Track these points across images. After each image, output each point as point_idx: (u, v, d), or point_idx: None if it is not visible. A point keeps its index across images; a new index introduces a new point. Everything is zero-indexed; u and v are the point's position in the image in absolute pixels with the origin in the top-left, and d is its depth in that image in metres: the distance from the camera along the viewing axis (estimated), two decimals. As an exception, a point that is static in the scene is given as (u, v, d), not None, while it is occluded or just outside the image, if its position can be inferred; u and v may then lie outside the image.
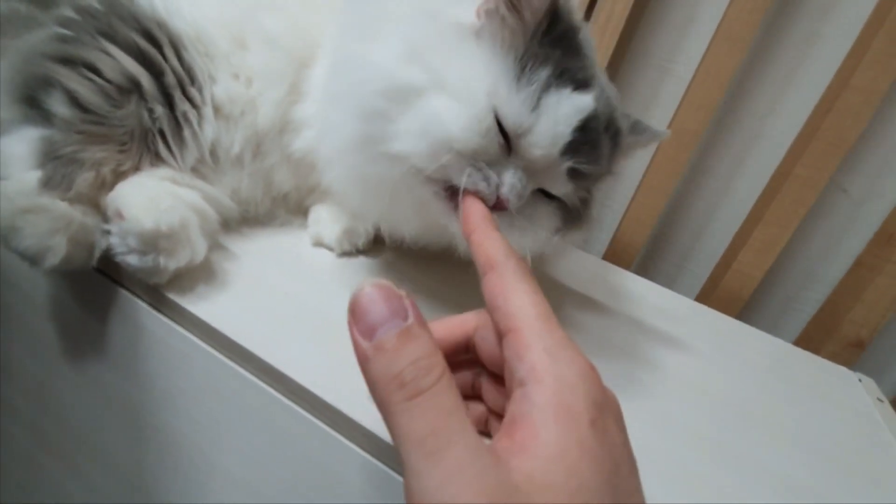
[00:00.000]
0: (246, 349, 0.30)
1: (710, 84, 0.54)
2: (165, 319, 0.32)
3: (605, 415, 0.19)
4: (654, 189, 0.59)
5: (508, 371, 0.20)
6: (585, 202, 0.32)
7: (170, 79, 0.33)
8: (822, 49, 0.54)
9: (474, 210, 0.25)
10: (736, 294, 0.58)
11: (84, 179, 0.30)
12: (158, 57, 0.33)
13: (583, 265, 0.54)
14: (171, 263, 0.31)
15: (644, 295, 0.52)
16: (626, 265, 0.60)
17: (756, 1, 0.50)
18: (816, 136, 0.51)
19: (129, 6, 0.34)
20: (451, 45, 0.28)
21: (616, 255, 0.63)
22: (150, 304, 0.33)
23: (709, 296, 0.59)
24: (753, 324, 0.51)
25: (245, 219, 0.41)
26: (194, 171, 0.36)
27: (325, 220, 0.41)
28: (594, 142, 0.29)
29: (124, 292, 0.33)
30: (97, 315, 0.35)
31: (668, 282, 0.66)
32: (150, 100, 0.33)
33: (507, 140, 0.28)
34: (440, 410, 0.17)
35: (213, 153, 0.36)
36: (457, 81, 0.27)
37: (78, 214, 0.30)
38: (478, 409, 0.25)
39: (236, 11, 0.36)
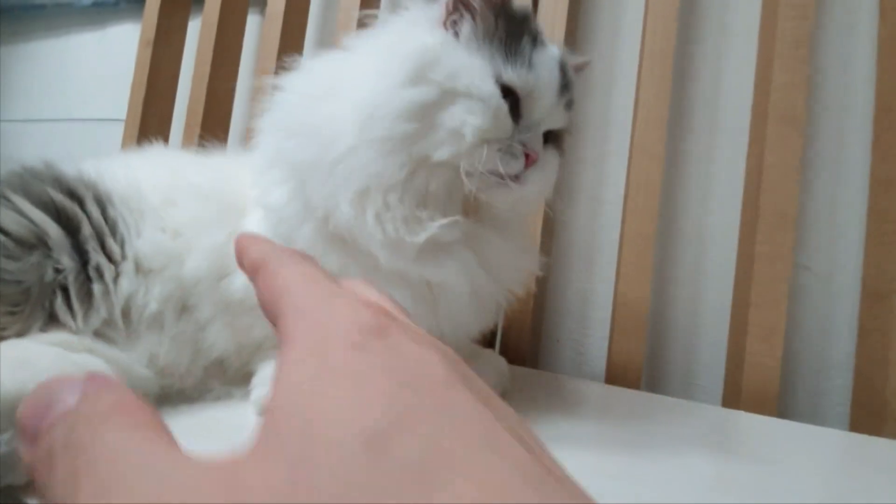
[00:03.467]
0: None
1: (642, 197, 0.57)
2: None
3: (382, 336, 0.13)
4: (631, 298, 0.56)
5: None
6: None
7: (86, 230, 0.31)
8: (724, 147, 0.61)
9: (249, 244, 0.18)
10: (762, 390, 0.51)
11: None
12: (75, 209, 0.31)
13: (614, 396, 0.46)
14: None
15: (673, 413, 0.44)
16: (633, 385, 0.53)
17: (657, 120, 0.57)
18: (760, 214, 0.53)
19: (53, 171, 0.33)
20: (440, 56, 0.32)
21: (617, 375, 0.56)
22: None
23: (736, 399, 0.51)
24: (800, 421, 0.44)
25: (166, 394, 0.32)
26: (99, 335, 0.30)
27: None
28: (568, 76, 0.36)
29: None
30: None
31: (686, 392, 0.59)
32: (56, 251, 0.29)
33: (513, 106, 0.33)
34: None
35: (125, 314, 0.31)
36: (463, 84, 0.32)
37: None
38: None
39: (166, 172, 0.37)
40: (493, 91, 0.32)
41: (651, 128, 0.58)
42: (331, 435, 0.10)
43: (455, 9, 0.34)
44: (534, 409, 0.40)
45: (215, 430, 0.31)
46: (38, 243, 0.29)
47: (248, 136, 0.73)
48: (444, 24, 0.34)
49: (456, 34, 0.34)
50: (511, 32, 0.33)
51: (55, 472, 0.11)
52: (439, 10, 0.34)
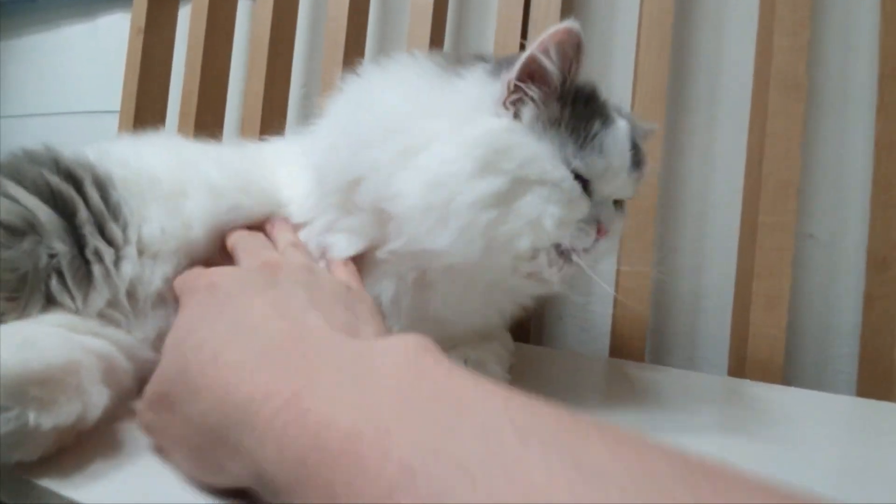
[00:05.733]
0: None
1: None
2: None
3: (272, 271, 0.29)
4: (633, 271, 0.56)
5: None
6: None
7: (82, 215, 0.30)
8: (726, 116, 0.60)
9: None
10: (768, 360, 0.50)
11: None
12: (71, 192, 0.30)
13: (620, 369, 0.46)
14: (47, 420, 0.21)
15: (679, 383, 0.44)
16: (637, 357, 0.53)
17: (656, 91, 0.56)
18: (763, 183, 0.52)
19: (52, 154, 0.33)
20: (509, 144, 0.31)
21: (622, 349, 0.56)
22: None
23: (741, 370, 0.51)
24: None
25: None
26: (104, 315, 0.30)
27: None
28: (639, 148, 0.36)
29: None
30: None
31: (689, 364, 0.59)
32: (47, 237, 0.29)
33: (585, 185, 0.33)
34: None
35: (130, 294, 0.31)
36: (536, 172, 0.31)
37: None
38: None
39: (177, 162, 0.36)
40: (566, 176, 0.32)
41: (651, 99, 0.57)
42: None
43: (516, 89, 0.32)
44: (540, 385, 0.40)
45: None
46: (29, 229, 0.29)
47: (243, 122, 0.73)
48: (505, 103, 0.32)
49: (517, 115, 0.32)
50: (577, 115, 0.32)
51: None
52: (501, 89, 0.32)
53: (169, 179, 0.35)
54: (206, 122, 0.73)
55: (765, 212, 0.52)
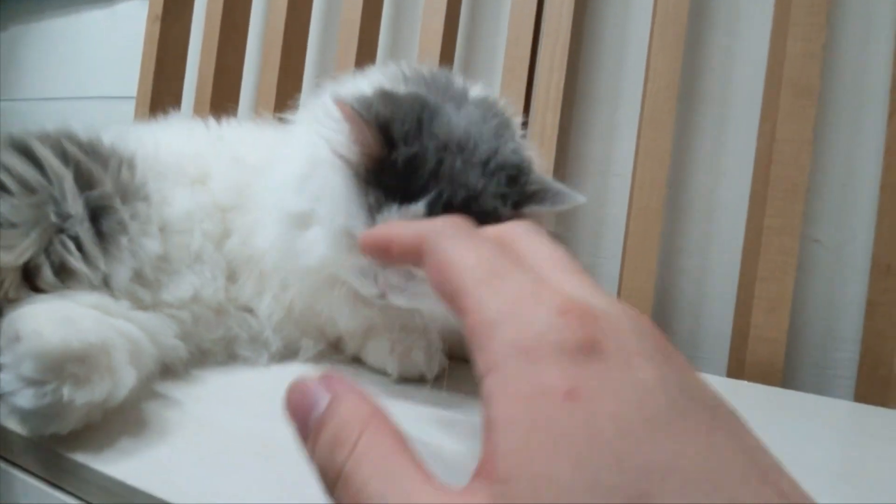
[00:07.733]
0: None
1: (651, 170, 0.57)
2: (67, 499, 0.23)
3: (589, 361, 0.13)
4: (638, 269, 0.57)
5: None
6: None
7: (107, 188, 0.32)
8: (736, 118, 0.60)
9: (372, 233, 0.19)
10: (767, 363, 0.51)
11: None
12: (93, 166, 0.32)
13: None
14: (80, 396, 0.23)
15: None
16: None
17: (668, 90, 0.57)
18: (771, 187, 0.52)
19: (75, 134, 0.35)
20: (322, 177, 0.33)
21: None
22: (42, 478, 0.23)
23: (741, 372, 0.52)
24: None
25: (196, 354, 0.34)
26: (140, 279, 0.32)
27: None
28: None
29: (7, 469, 0.24)
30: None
31: (689, 362, 0.59)
32: (65, 197, 0.30)
33: None
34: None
35: (163, 258, 0.33)
36: (322, 210, 0.33)
37: None
38: None
39: (203, 143, 0.40)
40: (340, 230, 0.32)
41: (661, 98, 0.57)
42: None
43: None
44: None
45: (241, 398, 0.32)
46: (42, 188, 0.30)
47: (257, 110, 0.74)
48: (351, 143, 0.32)
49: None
50: (377, 183, 0.31)
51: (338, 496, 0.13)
52: (347, 128, 0.32)
53: (193, 162, 0.38)
54: (221, 111, 0.74)
55: (771, 214, 0.52)
